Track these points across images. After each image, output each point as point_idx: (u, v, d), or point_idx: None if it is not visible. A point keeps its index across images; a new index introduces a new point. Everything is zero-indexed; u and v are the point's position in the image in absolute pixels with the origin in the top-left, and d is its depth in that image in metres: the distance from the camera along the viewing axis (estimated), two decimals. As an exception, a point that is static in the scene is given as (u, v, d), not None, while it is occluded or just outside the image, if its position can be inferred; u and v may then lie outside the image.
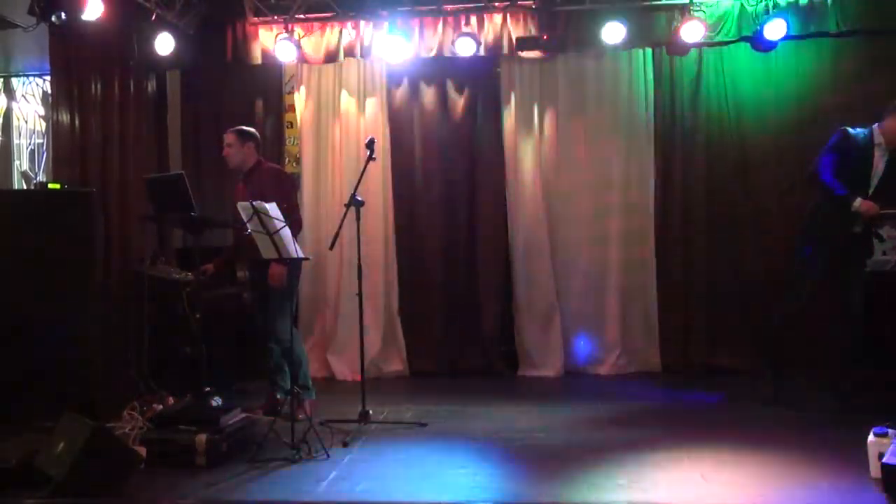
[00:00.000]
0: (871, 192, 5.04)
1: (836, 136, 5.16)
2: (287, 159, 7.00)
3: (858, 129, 5.14)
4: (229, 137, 5.33)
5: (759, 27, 6.05)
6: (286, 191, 5.23)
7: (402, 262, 6.78)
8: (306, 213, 6.38)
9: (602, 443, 4.48)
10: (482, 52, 6.37)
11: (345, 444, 4.47)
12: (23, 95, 7.34)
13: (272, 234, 4.48)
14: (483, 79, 6.73)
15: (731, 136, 6.39)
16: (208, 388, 4.84)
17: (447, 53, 6.40)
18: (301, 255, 4.70)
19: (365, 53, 6.54)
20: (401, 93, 6.82)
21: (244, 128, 5.41)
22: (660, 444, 4.40)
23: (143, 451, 4.11)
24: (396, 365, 6.68)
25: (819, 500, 3.49)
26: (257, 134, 5.45)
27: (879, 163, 5.10)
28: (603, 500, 3.57)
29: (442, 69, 6.70)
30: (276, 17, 6.49)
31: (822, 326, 5.40)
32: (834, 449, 4.11)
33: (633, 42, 6.26)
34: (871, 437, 3.65)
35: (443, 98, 6.79)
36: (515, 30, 6.34)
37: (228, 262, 5.69)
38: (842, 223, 5.05)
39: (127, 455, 3.93)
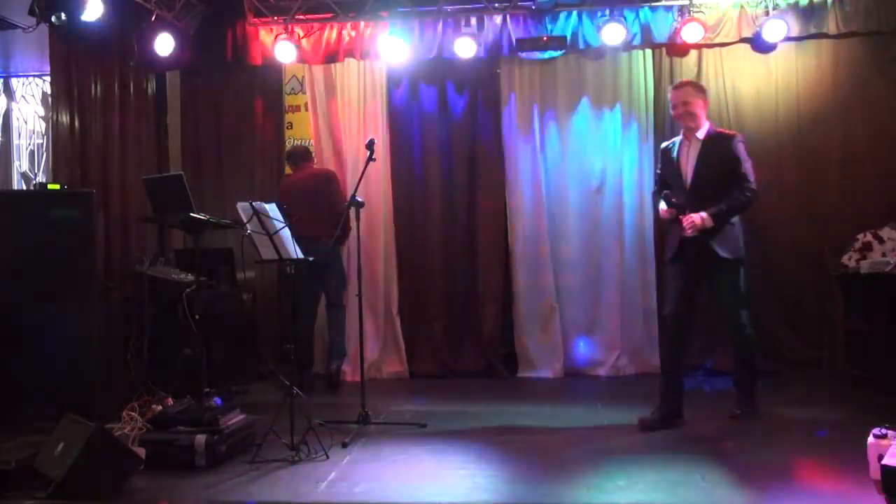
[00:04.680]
0: (687, 190, 4.69)
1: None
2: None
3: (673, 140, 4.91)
4: None
5: (758, 28, 6.07)
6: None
7: (401, 263, 6.79)
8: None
9: (601, 444, 4.47)
10: (482, 53, 6.39)
11: (344, 445, 4.46)
12: (23, 96, 7.34)
13: (271, 235, 4.48)
14: (483, 80, 6.74)
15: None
16: (208, 389, 4.83)
17: (447, 54, 6.41)
18: (300, 255, 4.69)
19: (365, 54, 6.56)
20: (401, 94, 6.83)
21: None
22: (659, 445, 4.40)
23: (142, 452, 4.10)
24: (396, 366, 6.68)
25: (819, 502, 3.49)
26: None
27: (687, 159, 4.72)
28: (602, 501, 3.56)
29: (442, 70, 6.70)
30: (276, 18, 6.52)
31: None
32: (833, 450, 4.10)
33: (633, 43, 6.28)
34: (870, 439, 3.64)
35: (443, 99, 6.79)
36: (515, 31, 6.36)
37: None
38: (680, 233, 4.69)
39: (126, 456, 3.92)
